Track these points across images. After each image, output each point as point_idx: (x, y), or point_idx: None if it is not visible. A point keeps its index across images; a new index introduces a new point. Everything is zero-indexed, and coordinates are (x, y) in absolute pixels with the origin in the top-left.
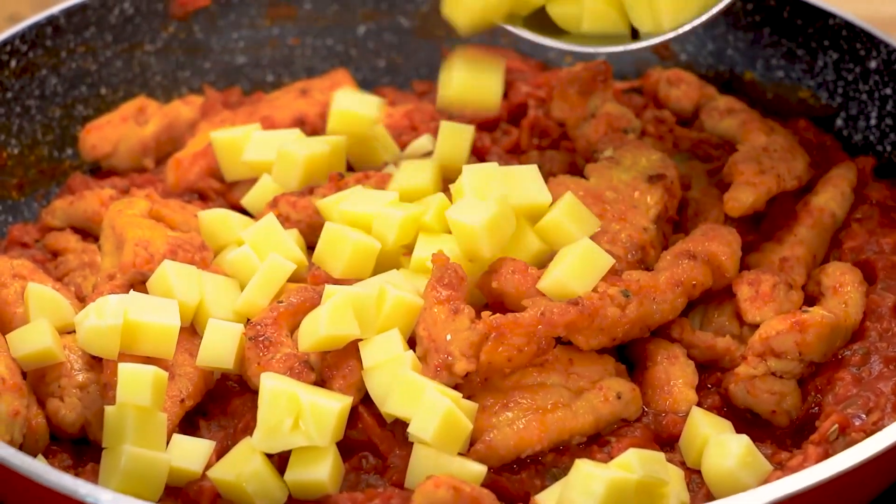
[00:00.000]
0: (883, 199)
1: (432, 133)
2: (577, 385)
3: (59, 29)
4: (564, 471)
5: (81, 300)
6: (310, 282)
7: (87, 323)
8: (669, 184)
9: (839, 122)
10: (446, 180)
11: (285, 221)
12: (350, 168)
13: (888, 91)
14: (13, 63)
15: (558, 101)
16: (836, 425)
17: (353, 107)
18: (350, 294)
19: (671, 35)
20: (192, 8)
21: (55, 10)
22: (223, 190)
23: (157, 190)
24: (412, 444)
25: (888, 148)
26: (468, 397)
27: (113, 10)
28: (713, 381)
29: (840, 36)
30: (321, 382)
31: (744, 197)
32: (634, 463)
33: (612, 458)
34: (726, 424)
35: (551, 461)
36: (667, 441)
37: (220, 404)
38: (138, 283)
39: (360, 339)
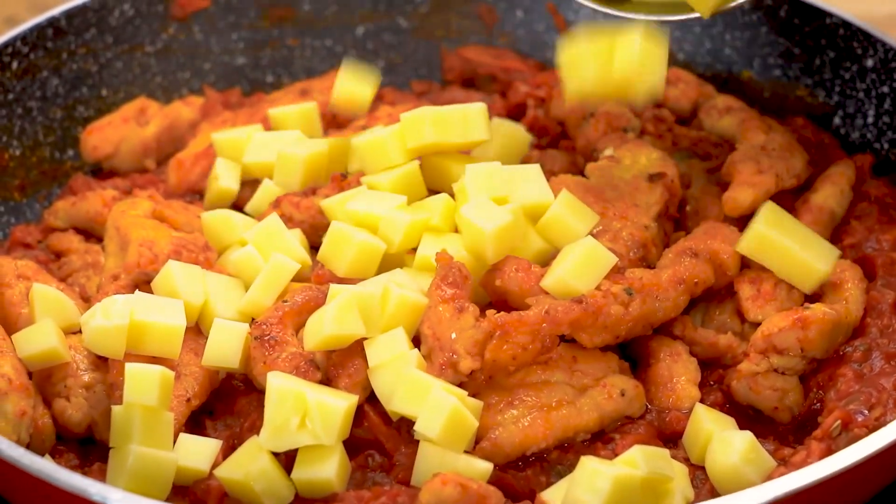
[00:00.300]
0: (881, 196)
1: None
2: (582, 382)
3: (59, 30)
4: (569, 468)
5: (86, 300)
6: (314, 281)
7: (94, 323)
8: (670, 182)
9: (836, 120)
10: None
11: (288, 221)
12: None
13: (885, 89)
14: (14, 65)
15: (558, 101)
16: (839, 421)
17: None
18: (355, 293)
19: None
20: (191, 9)
21: (56, 11)
22: None
23: (159, 190)
24: (418, 442)
25: (885, 145)
26: (473, 395)
27: (113, 11)
28: (715, 378)
29: (837, 35)
30: (327, 381)
31: (743, 197)
32: (639, 459)
33: (616, 454)
34: (729, 421)
35: (556, 458)
36: (670, 438)
37: (225, 403)
38: (143, 284)
39: (365, 338)
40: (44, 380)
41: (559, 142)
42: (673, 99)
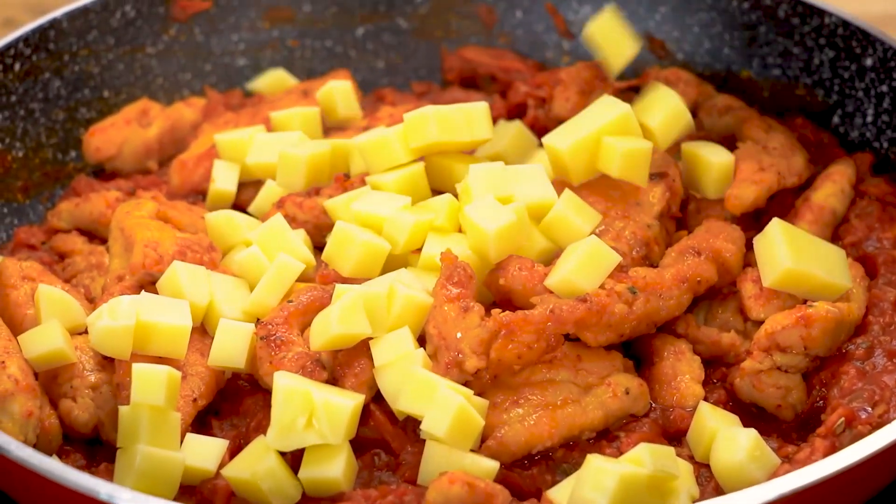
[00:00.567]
0: (882, 194)
1: None
2: (586, 381)
3: (61, 32)
4: (575, 466)
5: (90, 301)
6: (318, 281)
7: (100, 324)
8: (671, 181)
9: (835, 119)
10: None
11: (292, 222)
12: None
13: (884, 88)
14: (17, 66)
15: (559, 101)
16: (843, 419)
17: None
18: (361, 293)
19: None
20: (192, 11)
21: (58, 13)
22: None
23: (162, 191)
24: (424, 441)
25: (885, 144)
26: (478, 394)
27: (115, 13)
28: (718, 376)
29: (836, 34)
30: (333, 381)
31: (745, 195)
32: (645, 457)
33: (621, 453)
34: (733, 419)
35: (561, 457)
36: (674, 436)
37: (231, 403)
38: (147, 284)
39: (371, 338)
40: (50, 380)
41: None
42: None
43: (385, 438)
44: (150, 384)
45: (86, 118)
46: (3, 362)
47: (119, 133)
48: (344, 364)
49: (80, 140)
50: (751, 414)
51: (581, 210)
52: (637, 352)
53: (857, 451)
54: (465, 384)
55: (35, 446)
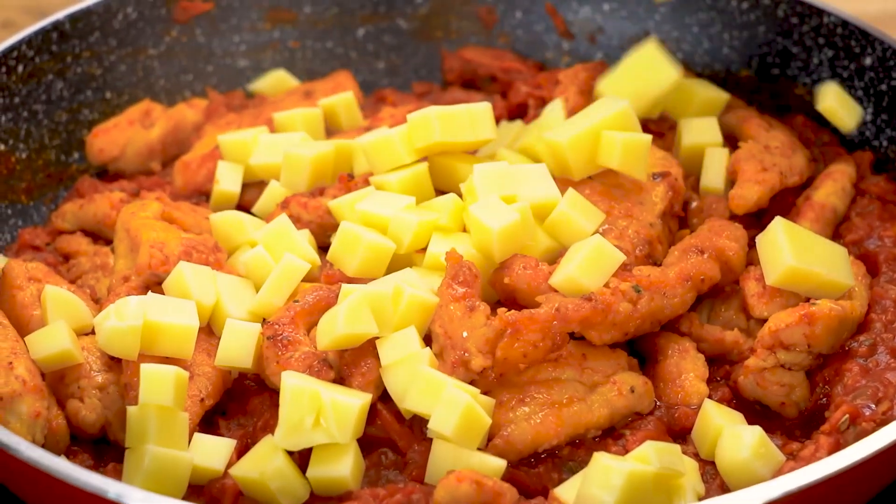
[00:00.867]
0: (882, 193)
1: None
2: (592, 379)
3: (64, 34)
4: (581, 464)
5: (96, 302)
6: (324, 281)
7: (108, 324)
8: (673, 181)
9: None
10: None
11: (297, 222)
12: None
13: (883, 87)
14: (20, 68)
15: (560, 100)
16: (847, 415)
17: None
18: (367, 293)
19: None
20: (194, 12)
21: (60, 15)
22: None
23: (165, 192)
24: (431, 439)
25: (884, 143)
26: (484, 393)
27: (117, 15)
28: (722, 374)
29: (835, 34)
30: (340, 380)
31: (749, 194)
32: (651, 455)
33: (627, 450)
34: (738, 416)
35: (567, 455)
36: (679, 433)
37: (238, 403)
38: (153, 285)
39: (377, 337)
40: (57, 381)
41: None
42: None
43: (392, 437)
44: (159, 384)
45: (88, 120)
46: (11, 363)
47: (122, 134)
48: (350, 363)
49: (83, 141)
50: (754, 411)
51: (584, 209)
52: (641, 350)
53: (862, 449)
54: (471, 383)
55: (43, 447)
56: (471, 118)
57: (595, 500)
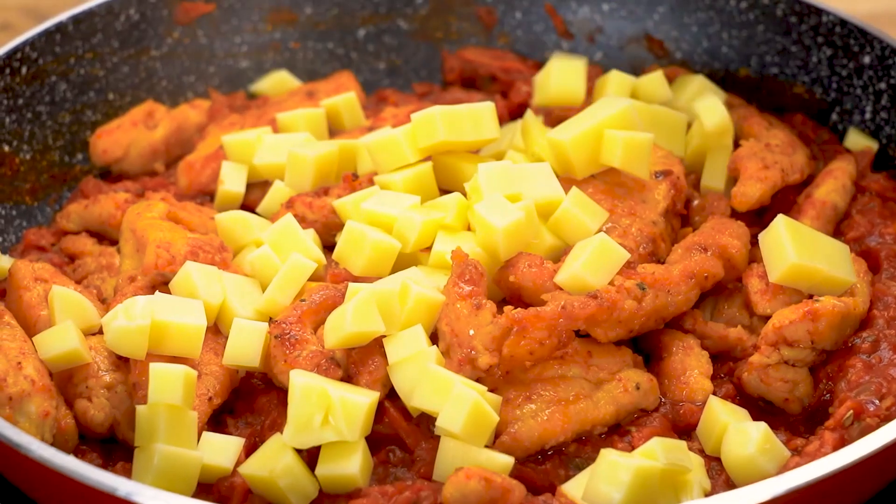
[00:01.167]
0: (882, 190)
1: None
2: (597, 377)
3: (67, 36)
4: (587, 460)
5: (102, 302)
6: (330, 280)
7: (116, 324)
8: (676, 179)
9: (834, 116)
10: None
11: (302, 222)
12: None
13: (882, 85)
14: (24, 70)
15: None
16: (851, 411)
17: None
18: (374, 291)
19: None
20: (196, 14)
21: (63, 17)
22: None
23: (170, 193)
24: (438, 437)
25: (883, 141)
26: (490, 391)
27: (119, 16)
28: (725, 371)
29: (833, 32)
30: (347, 378)
31: (751, 192)
32: (658, 451)
33: (633, 447)
34: (743, 412)
35: (574, 451)
36: (684, 430)
37: (245, 402)
38: (160, 285)
39: (384, 336)
40: (65, 381)
41: None
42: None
43: (399, 435)
44: (168, 383)
45: (91, 121)
46: (20, 363)
47: (126, 135)
48: (358, 362)
49: (87, 142)
50: (758, 408)
51: (588, 208)
52: (645, 347)
53: (868, 444)
54: (478, 381)
55: (51, 446)
56: (474, 117)
57: (603, 496)
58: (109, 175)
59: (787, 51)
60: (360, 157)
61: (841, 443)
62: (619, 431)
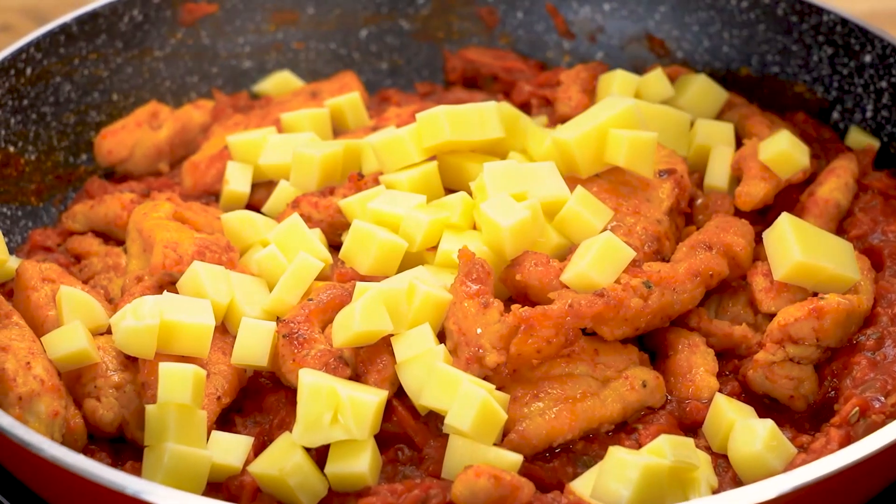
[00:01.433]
0: (884, 188)
1: None
2: (604, 374)
3: (71, 37)
4: (594, 458)
5: (109, 302)
6: (336, 279)
7: (125, 324)
8: (679, 178)
9: (835, 115)
10: None
11: (308, 221)
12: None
13: (883, 84)
14: (28, 71)
15: (561, 100)
16: (857, 408)
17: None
18: (382, 290)
19: None
20: (199, 14)
21: (67, 18)
22: None
23: (175, 193)
24: (446, 435)
25: (884, 139)
26: (498, 389)
27: (123, 17)
28: (730, 369)
29: (834, 31)
30: (355, 377)
31: (755, 191)
32: (666, 449)
33: (640, 444)
34: (749, 410)
35: (581, 449)
36: (690, 427)
37: (253, 401)
38: (167, 285)
39: (392, 335)
40: (73, 381)
41: None
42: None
43: (408, 433)
44: (177, 383)
45: (96, 121)
46: (29, 363)
47: (130, 135)
48: (366, 361)
49: (91, 143)
50: (763, 405)
51: (593, 206)
52: (651, 345)
53: (876, 441)
54: (485, 379)
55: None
56: (479, 117)
57: (612, 494)
58: (113, 175)
59: (788, 50)
60: (365, 156)
61: (847, 439)
62: (626, 429)
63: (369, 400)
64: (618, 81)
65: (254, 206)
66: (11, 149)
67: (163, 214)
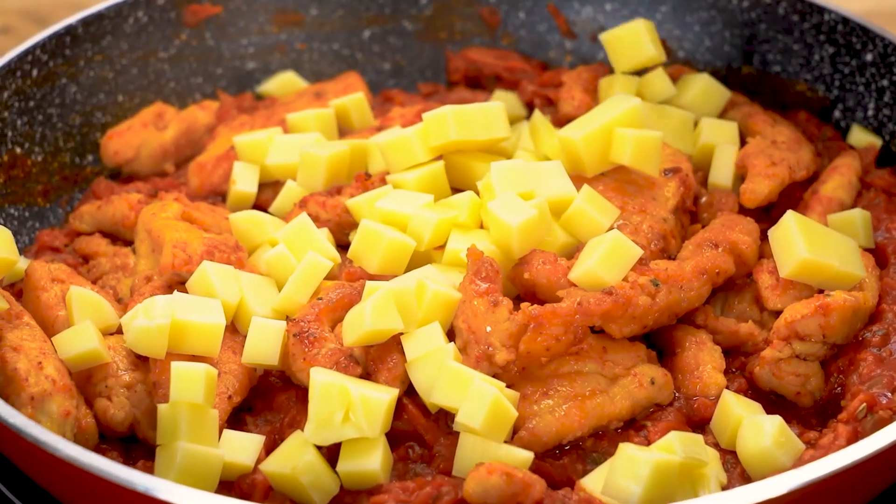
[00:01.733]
0: (887, 186)
1: None
2: (613, 372)
3: (76, 38)
4: (604, 455)
5: (118, 302)
6: (345, 279)
7: (136, 324)
8: (685, 176)
9: (836, 113)
10: None
11: (315, 221)
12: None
13: (884, 83)
14: (34, 72)
15: (564, 100)
16: (864, 404)
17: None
18: (391, 289)
19: None
20: (203, 16)
21: (73, 19)
22: None
23: (182, 193)
24: (457, 433)
25: (886, 137)
26: (508, 387)
27: (128, 19)
28: (737, 366)
29: (835, 31)
30: (366, 376)
31: (760, 189)
32: (676, 445)
33: (649, 441)
34: (757, 406)
35: (591, 446)
36: (698, 424)
37: (264, 400)
38: (176, 284)
39: (402, 333)
40: (84, 381)
41: None
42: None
43: (418, 431)
44: (189, 382)
45: (101, 122)
46: (40, 363)
47: (136, 136)
48: (377, 359)
49: (97, 144)
50: (770, 401)
51: (600, 205)
52: (658, 343)
53: (885, 436)
54: (495, 377)
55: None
56: (485, 116)
57: (623, 490)
58: (119, 176)
59: (790, 49)
60: (372, 156)
61: (854, 435)
62: (635, 426)
63: (380, 398)
64: (619, 81)
65: (260, 206)
66: (18, 150)
67: (171, 214)
